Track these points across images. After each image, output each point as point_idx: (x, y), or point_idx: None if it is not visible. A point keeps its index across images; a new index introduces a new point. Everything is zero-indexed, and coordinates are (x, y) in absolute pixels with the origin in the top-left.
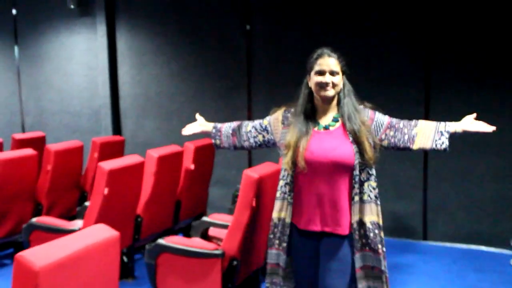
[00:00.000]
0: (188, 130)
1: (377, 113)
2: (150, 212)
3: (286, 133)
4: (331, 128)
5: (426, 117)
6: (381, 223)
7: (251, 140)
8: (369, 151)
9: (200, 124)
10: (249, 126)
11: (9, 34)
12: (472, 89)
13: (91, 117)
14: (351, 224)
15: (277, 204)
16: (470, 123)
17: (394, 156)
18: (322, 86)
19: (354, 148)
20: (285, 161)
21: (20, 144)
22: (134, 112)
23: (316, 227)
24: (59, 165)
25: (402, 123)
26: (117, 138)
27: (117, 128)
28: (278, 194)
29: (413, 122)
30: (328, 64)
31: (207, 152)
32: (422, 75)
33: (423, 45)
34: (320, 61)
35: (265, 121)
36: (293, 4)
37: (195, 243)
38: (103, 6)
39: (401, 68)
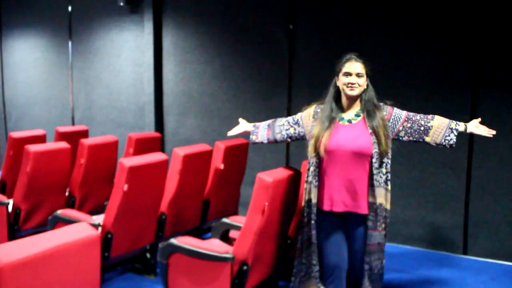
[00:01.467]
0: (233, 131)
1: (395, 108)
2: (174, 210)
3: (314, 126)
4: (353, 121)
5: None
6: (388, 207)
7: (283, 133)
8: (384, 142)
9: (242, 125)
10: (282, 120)
11: (65, 30)
12: None
13: (136, 113)
14: (369, 205)
15: (306, 188)
16: (475, 126)
17: (436, 165)
18: (349, 86)
19: (372, 139)
20: (308, 149)
21: (63, 137)
22: (176, 109)
23: (339, 208)
24: (93, 159)
25: (419, 116)
26: (154, 134)
27: (159, 124)
28: (306, 179)
29: (430, 116)
30: (355, 67)
31: (239, 152)
32: (469, 82)
33: (471, 50)
34: (347, 64)
35: (297, 116)
36: (337, 5)
37: (207, 245)
38: (151, 4)
39: (446, 74)
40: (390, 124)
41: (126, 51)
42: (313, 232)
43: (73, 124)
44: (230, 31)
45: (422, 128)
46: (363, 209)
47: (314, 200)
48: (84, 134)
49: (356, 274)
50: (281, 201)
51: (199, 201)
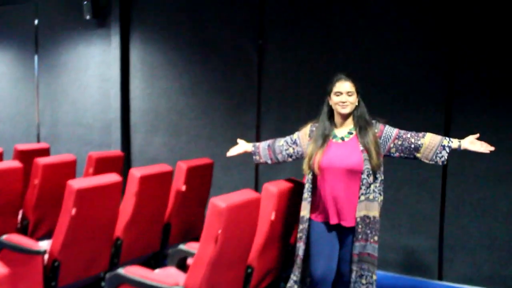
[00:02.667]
0: (232, 151)
1: (387, 126)
2: (131, 234)
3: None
4: (346, 139)
5: None
6: (378, 218)
7: (284, 153)
8: (375, 158)
9: (241, 146)
10: (281, 141)
11: (31, 44)
12: (498, 114)
13: (103, 130)
14: (355, 218)
15: (302, 204)
16: (470, 142)
17: (410, 185)
18: (340, 104)
19: (363, 156)
20: (303, 167)
21: (22, 155)
22: (143, 127)
23: (333, 221)
24: (48, 179)
25: (409, 134)
26: (116, 153)
27: (126, 142)
28: (303, 195)
29: (422, 133)
30: (345, 86)
31: (203, 173)
32: (443, 97)
33: (445, 65)
34: (338, 84)
35: (295, 135)
36: (307, 20)
37: (156, 276)
38: (118, 18)
39: (420, 89)
40: (381, 141)
41: (92, 66)
42: (303, 247)
43: (38, 141)
44: (198, 46)
45: (412, 146)
46: (351, 222)
47: (307, 216)
48: (45, 152)
49: (344, 281)
50: (238, 227)
51: (159, 225)
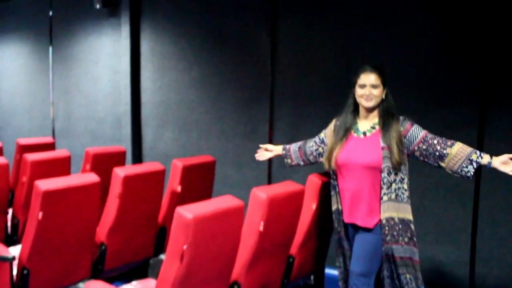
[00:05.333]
0: (263, 156)
1: (415, 125)
2: (117, 239)
3: None
4: (368, 134)
5: (480, 142)
6: (409, 217)
7: (314, 153)
8: (397, 156)
9: (271, 149)
10: (311, 141)
11: (45, 36)
12: None
13: (114, 124)
14: (380, 220)
15: (332, 199)
16: (502, 163)
17: (437, 191)
18: (364, 97)
19: (383, 153)
20: (323, 161)
21: (24, 150)
22: (154, 121)
23: (348, 219)
24: (37, 177)
25: (437, 140)
26: (117, 149)
27: (137, 137)
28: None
29: (450, 142)
30: (369, 78)
31: (201, 172)
32: (477, 95)
33: (480, 59)
34: (362, 76)
35: (322, 134)
36: (323, 9)
37: None
38: (128, 6)
39: (452, 85)
40: (405, 140)
41: (104, 57)
42: (338, 237)
43: (53, 135)
44: (209, 36)
45: (437, 153)
46: (367, 223)
47: (339, 208)
48: (49, 147)
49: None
50: (209, 241)
51: (152, 229)
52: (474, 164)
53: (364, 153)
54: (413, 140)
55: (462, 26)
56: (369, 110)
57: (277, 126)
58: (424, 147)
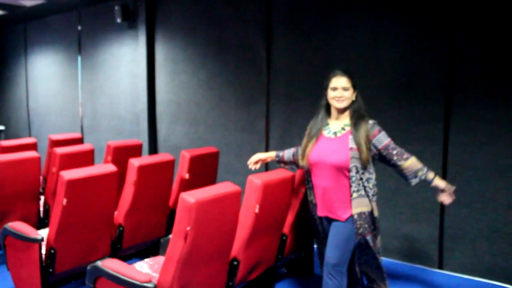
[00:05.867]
0: (256, 165)
1: (382, 132)
2: (133, 221)
3: None
4: (338, 134)
5: (446, 136)
6: (376, 214)
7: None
8: (365, 154)
9: (264, 158)
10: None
11: (75, 46)
12: (498, 107)
13: (133, 121)
14: (352, 215)
15: (308, 191)
16: (441, 189)
17: None
18: (336, 99)
19: (351, 153)
20: (298, 158)
21: (55, 144)
22: (167, 117)
23: (320, 213)
24: (66, 168)
25: (396, 151)
26: (135, 142)
27: (153, 131)
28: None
29: (406, 155)
30: (341, 81)
31: (207, 161)
32: (443, 89)
33: (445, 55)
34: (334, 79)
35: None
36: (311, 19)
37: (130, 272)
38: (144, 20)
39: (419, 81)
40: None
41: (124, 64)
42: (315, 223)
43: (82, 131)
44: (213, 44)
45: (391, 162)
46: (339, 216)
47: (313, 201)
48: (78, 141)
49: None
50: (210, 223)
51: (163, 212)
52: (418, 179)
53: (333, 153)
54: (377, 145)
55: (429, 28)
56: (340, 111)
57: (272, 120)
58: (384, 153)
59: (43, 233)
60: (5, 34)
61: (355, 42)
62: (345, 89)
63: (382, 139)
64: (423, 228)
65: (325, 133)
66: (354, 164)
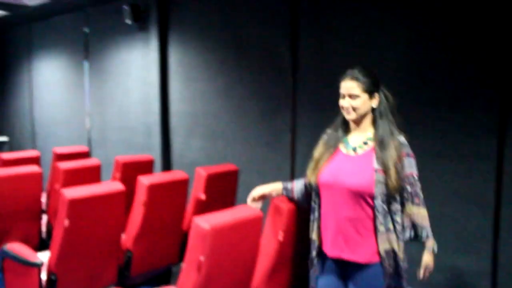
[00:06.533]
0: (257, 203)
1: (409, 158)
2: (142, 246)
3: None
4: (358, 150)
5: (500, 151)
6: (401, 256)
7: None
8: (394, 179)
9: (266, 191)
10: None
11: (81, 51)
12: None
13: (145, 133)
14: (378, 253)
15: (310, 224)
16: (425, 260)
17: (458, 199)
18: (344, 109)
19: (376, 176)
20: (307, 173)
21: (60, 158)
22: (182, 130)
23: (332, 252)
24: (69, 185)
25: (411, 189)
26: (146, 157)
27: (166, 146)
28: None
29: (418, 200)
30: (347, 87)
31: (225, 180)
32: (496, 98)
33: (498, 60)
34: (342, 84)
35: None
36: (343, 19)
37: None
38: (156, 21)
39: (469, 88)
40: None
41: (134, 70)
42: (310, 275)
43: (89, 144)
44: (232, 48)
45: (402, 199)
46: (359, 256)
47: (313, 237)
48: (84, 155)
49: None
50: (235, 249)
51: (176, 236)
52: (412, 235)
53: (352, 174)
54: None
55: (477, 29)
56: (356, 122)
57: (299, 134)
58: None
59: (45, 255)
60: (7, 36)
61: (392, 44)
62: (352, 96)
63: (406, 166)
64: (472, 260)
65: (343, 147)
66: (380, 190)
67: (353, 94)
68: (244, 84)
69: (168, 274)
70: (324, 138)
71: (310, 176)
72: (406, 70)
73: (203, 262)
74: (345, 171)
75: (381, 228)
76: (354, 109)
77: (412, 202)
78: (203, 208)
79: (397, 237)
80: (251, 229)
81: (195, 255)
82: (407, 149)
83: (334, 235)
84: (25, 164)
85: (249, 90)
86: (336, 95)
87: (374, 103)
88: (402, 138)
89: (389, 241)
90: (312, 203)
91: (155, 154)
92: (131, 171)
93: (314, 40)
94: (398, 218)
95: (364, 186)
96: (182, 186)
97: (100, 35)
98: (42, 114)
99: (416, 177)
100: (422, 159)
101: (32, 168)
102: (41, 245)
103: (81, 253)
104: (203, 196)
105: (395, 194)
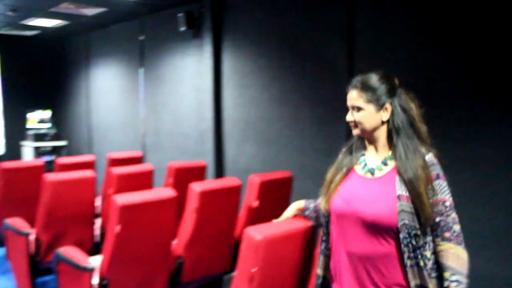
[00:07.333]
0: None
1: (439, 180)
2: (194, 253)
3: None
4: (377, 172)
5: None
6: None
7: None
8: (428, 207)
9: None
10: None
11: (136, 58)
12: None
13: (198, 139)
14: None
15: (318, 258)
16: None
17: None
18: (350, 124)
19: (399, 205)
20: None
21: (114, 163)
22: (235, 136)
23: None
24: (123, 190)
25: (445, 221)
26: (198, 163)
27: (219, 152)
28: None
29: (449, 234)
30: (350, 98)
31: (279, 188)
32: None
33: None
34: (348, 95)
35: None
36: (403, 21)
37: None
38: (210, 27)
39: None
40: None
41: (188, 76)
42: None
43: (144, 150)
44: (287, 53)
45: (433, 231)
46: None
47: (320, 273)
48: (137, 161)
49: None
50: (288, 260)
51: (228, 244)
52: (438, 278)
53: (368, 201)
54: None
55: None
56: (370, 139)
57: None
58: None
59: (97, 260)
60: (67, 45)
61: (451, 48)
62: (355, 108)
63: (437, 191)
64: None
65: (358, 168)
66: (404, 221)
67: (355, 106)
68: (298, 90)
69: (219, 282)
70: (339, 158)
71: (321, 202)
72: (468, 74)
73: (255, 274)
74: (360, 197)
75: (408, 262)
76: (356, 123)
77: (442, 238)
78: (255, 216)
79: (429, 274)
80: (305, 240)
81: (246, 266)
82: (437, 170)
83: (346, 274)
84: (81, 168)
85: (304, 97)
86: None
87: (385, 116)
88: (429, 156)
89: (421, 277)
90: (323, 231)
91: (208, 160)
92: (183, 177)
93: (371, 48)
94: (428, 253)
95: (384, 217)
96: (234, 193)
97: (155, 42)
98: (99, 120)
99: (449, 205)
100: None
101: (87, 173)
102: (95, 248)
103: (132, 259)
104: (256, 204)
105: (426, 226)
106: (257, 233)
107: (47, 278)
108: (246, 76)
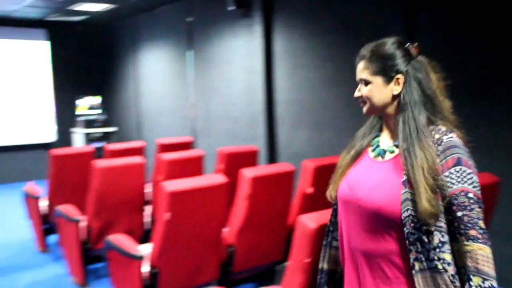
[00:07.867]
0: None
1: (463, 167)
2: (245, 241)
3: None
4: (387, 155)
5: None
6: None
7: None
8: (425, 200)
9: None
10: None
11: (184, 40)
12: None
13: (249, 123)
14: None
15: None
16: None
17: None
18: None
19: (403, 192)
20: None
21: (164, 149)
22: (288, 120)
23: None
24: (171, 176)
25: (467, 216)
26: (250, 148)
27: (271, 136)
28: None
29: (475, 232)
30: (357, 70)
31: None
32: None
33: None
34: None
35: None
36: (464, 4)
37: None
38: (261, 6)
39: None
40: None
41: (238, 57)
42: None
43: (194, 135)
44: (341, 31)
45: (451, 228)
46: None
47: (325, 267)
48: (187, 146)
49: None
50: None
51: (281, 232)
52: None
53: (371, 186)
54: (444, 188)
55: None
56: (383, 118)
57: None
58: (447, 206)
59: (147, 248)
60: (115, 30)
61: None
62: (362, 82)
63: (453, 179)
64: None
65: (370, 150)
66: (409, 212)
67: (362, 79)
68: (354, 70)
69: (271, 272)
70: (353, 140)
71: (329, 188)
72: None
73: (310, 264)
74: (363, 182)
75: (416, 265)
76: (364, 99)
77: (467, 236)
78: (310, 202)
79: (453, 283)
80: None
81: (300, 257)
82: (459, 153)
83: (350, 273)
84: (130, 154)
85: None
86: (456, 82)
87: (396, 89)
88: (450, 137)
89: (435, 285)
90: (329, 224)
91: (260, 145)
92: (235, 163)
93: (432, 27)
94: (447, 256)
95: (383, 205)
96: (287, 179)
97: (203, 24)
98: (147, 105)
99: (473, 197)
100: None
101: (136, 159)
102: (145, 236)
103: (183, 247)
104: (310, 190)
105: (430, 222)
106: (311, 221)
107: (98, 265)
108: (299, 56)
